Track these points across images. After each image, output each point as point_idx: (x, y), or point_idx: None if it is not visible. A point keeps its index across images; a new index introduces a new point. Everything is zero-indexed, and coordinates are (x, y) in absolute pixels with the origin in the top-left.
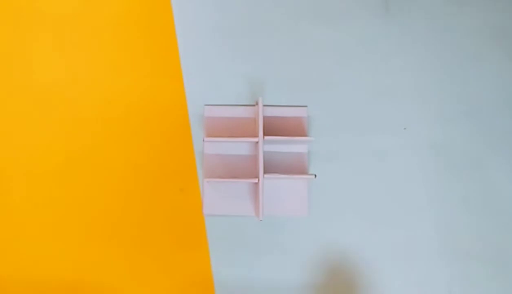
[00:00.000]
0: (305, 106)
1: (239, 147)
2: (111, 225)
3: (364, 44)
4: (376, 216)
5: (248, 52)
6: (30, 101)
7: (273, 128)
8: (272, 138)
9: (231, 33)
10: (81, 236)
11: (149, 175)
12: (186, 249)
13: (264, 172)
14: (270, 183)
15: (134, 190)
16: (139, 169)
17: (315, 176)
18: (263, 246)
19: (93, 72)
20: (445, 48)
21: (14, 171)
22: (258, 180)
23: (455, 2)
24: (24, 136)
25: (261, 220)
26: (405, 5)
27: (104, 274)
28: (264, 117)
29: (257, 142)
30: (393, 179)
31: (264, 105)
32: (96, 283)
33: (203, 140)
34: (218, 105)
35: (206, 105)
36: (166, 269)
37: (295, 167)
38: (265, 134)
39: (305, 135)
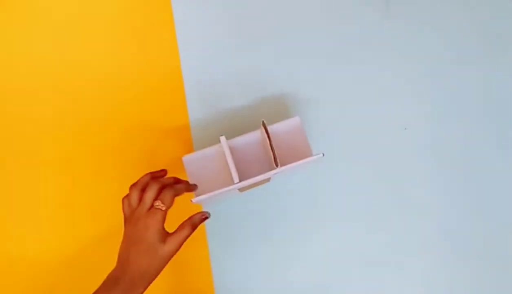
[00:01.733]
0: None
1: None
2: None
3: (363, 43)
4: (376, 216)
5: (247, 49)
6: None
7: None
8: (245, 184)
9: (230, 30)
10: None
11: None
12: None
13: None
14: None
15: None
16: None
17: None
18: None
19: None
20: (446, 48)
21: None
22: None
23: (456, 2)
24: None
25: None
26: (405, 4)
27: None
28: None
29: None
30: (393, 179)
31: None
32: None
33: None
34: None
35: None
36: None
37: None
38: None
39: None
